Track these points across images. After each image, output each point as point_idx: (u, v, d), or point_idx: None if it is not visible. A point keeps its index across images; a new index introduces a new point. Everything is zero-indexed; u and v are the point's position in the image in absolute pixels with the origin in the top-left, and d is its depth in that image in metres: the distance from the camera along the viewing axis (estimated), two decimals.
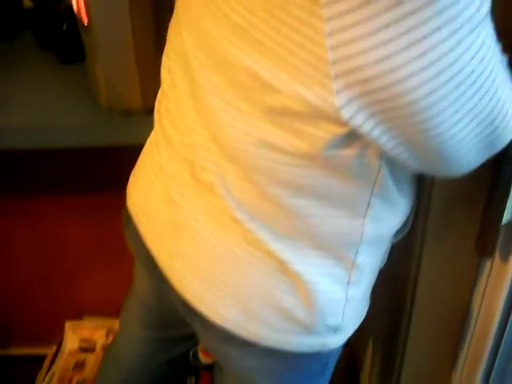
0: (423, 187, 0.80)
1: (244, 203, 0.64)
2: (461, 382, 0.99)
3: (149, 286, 0.94)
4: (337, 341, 0.74)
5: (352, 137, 0.55)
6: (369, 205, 0.64)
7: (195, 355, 1.69)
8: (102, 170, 1.43)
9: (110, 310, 1.70)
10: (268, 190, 0.61)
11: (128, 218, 0.84)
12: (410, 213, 0.77)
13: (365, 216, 0.65)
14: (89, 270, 1.69)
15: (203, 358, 1.68)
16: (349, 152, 0.57)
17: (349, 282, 0.70)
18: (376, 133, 0.53)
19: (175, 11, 0.68)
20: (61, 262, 1.68)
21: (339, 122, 0.52)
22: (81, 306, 1.79)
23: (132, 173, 0.85)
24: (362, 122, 0.51)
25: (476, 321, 0.91)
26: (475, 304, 0.90)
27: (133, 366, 1.08)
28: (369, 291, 0.78)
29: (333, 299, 0.70)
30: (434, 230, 0.84)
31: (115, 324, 1.71)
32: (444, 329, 0.94)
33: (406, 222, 0.77)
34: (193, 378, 1.66)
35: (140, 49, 0.91)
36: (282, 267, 0.66)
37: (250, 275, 0.67)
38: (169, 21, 0.71)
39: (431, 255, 0.86)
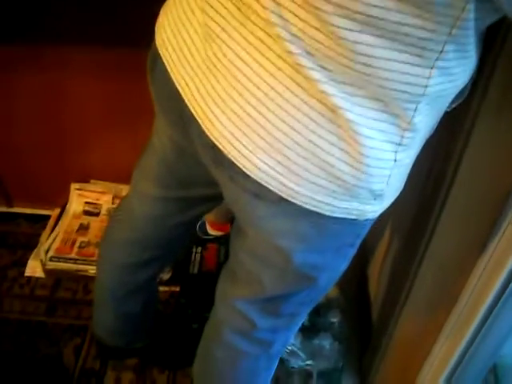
0: (487, 52, 0.70)
1: (299, 35, 0.58)
2: (486, 270, 0.95)
3: (170, 141, 0.89)
4: (375, 210, 0.71)
5: None
6: (441, 51, 0.56)
7: (202, 227, 1.70)
8: (122, 16, 1.32)
9: (119, 175, 1.73)
10: (330, 20, 0.55)
11: (154, 57, 0.78)
12: (469, 80, 0.69)
13: (433, 66, 0.58)
14: (99, 131, 1.64)
15: (210, 230, 1.71)
16: None
17: (400, 143, 0.65)
18: None
19: None
20: (70, 121, 1.63)
21: None
22: (88, 169, 1.76)
23: (163, 7, 0.77)
24: None
25: None
26: None
27: (144, 226, 1.07)
28: (413, 160, 0.72)
29: (382, 160, 0.65)
30: (491, 102, 0.75)
31: (122, 190, 1.75)
32: (478, 214, 0.89)
33: (464, 89, 0.69)
34: (199, 249, 1.68)
35: None
36: (333, 115, 0.61)
37: (296, 121, 0.62)
38: None
39: (483, 131, 0.78)
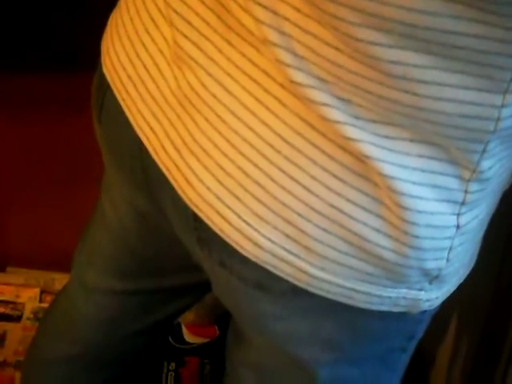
0: None
1: (309, 57, 0.59)
2: None
3: (130, 208, 0.91)
4: (433, 297, 0.71)
5: None
6: None
7: (177, 332, 1.69)
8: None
9: (48, 259, 1.73)
10: (354, 33, 0.56)
11: (102, 89, 0.81)
12: None
13: (507, 90, 0.58)
14: (18, 195, 1.67)
15: (188, 336, 1.70)
16: None
17: (464, 201, 0.65)
18: None
19: None
20: None
21: None
22: (3, 253, 1.77)
23: (112, 15, 0.81)
24: None
25: None
26: None
27: (92, 335, 1.08)
28: (485, 223, 0.74)
29: (438, 227, 0.65)
30: None
31: (55, 281, 1.76)
32: None
33: None
34: (173, 365, 1.66)
35: None
36: (363, 167, 0.62)
37: (310, 179, 0.63)
38: None
39: None
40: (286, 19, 0.59)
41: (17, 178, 1.63)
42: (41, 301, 1.76)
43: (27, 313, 1.75)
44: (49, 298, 1.70)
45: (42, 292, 1.77)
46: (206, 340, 1.70)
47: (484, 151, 0.63)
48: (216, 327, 1.69)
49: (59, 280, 1.71)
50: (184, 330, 1.69)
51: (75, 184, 1.34)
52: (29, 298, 1.77)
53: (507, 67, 0.58)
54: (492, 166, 0.65)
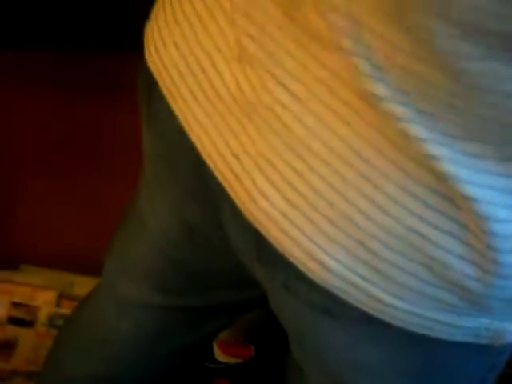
0: None
1: (387, 67, 0.59)
2: None
3: (178, 218, 0.90)
4: None
5: None
6: None
7: (208, 349, 1.65)
8: None
9: (69, 257, 1.75)
10: (441, 43, 0.55)
11: (149, 84, 0.80)
12: None
13: None
14: (35, 188, 1.68)
15: (220, 355, 1.69)
16: None
17: None
18: None
19: None
20: None
21: None
22: (16, 247, 1.79)
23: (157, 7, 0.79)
24: None
25: None
26: None
27: (125, 354, 1.07)
28: None
29: None
30: None
31: (75, 284, 1.76)
32: None
33: None
34: None
35: None
36: (446, 188, 0.62)
37: (385, 198, 0.64)
38: None
39: None
40: (363, 26, 0.59)
41: (35, 163, 1.65)
42: (58, 305, 1.75)
43: (42, 318, 1.74)
44: (67, 303, 1.71)
45: (60, 296, 1.76)
46: (238, 360, 1.69)
47: None
48: (252, 347, 1.68)
49: (79, 284, 1.73)
50: (215, 347, 1.67)
51: (105, 174, 1.32)
52: (44, 302, 1.75)
53: None
54: None
